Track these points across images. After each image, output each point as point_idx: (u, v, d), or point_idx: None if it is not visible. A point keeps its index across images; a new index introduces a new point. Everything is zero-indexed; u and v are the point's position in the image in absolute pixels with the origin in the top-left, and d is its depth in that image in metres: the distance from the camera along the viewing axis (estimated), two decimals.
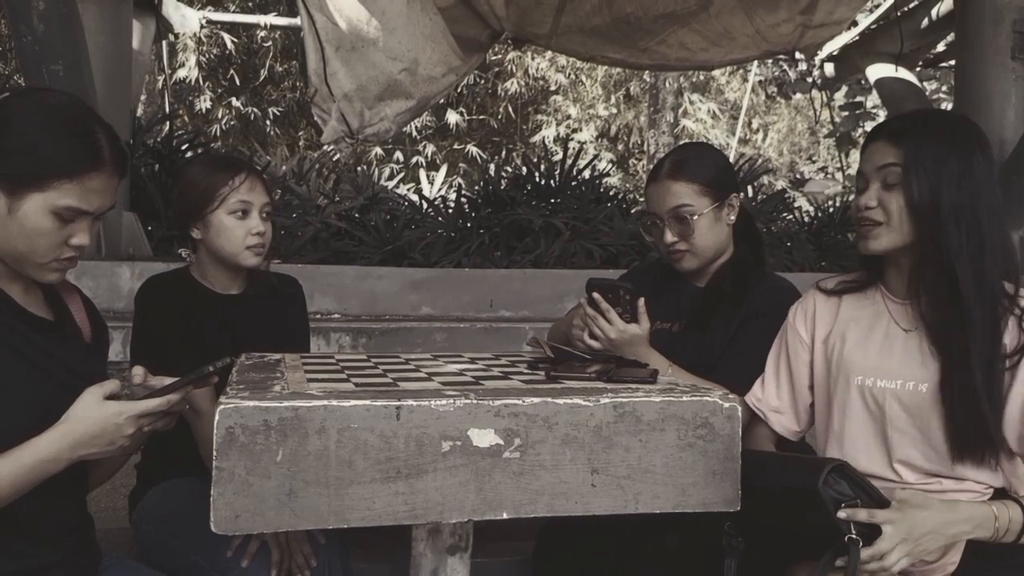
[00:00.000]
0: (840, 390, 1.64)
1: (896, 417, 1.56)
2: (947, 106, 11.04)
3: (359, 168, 10.29)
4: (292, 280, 2.17)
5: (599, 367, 1.39)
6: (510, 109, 15.98)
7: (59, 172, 1.31)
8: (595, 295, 1.76)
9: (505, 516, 1.16)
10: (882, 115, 10.77)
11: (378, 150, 14.34)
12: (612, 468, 1.19)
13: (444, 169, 11.60)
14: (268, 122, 14.82)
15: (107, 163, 1.35)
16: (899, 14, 6.72)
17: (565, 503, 1.18)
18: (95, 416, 1.28)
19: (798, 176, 18.13)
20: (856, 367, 1.62)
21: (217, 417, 1.08)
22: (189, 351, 1.83)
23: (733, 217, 1.99)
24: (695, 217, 1.92)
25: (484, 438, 1.15)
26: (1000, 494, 1.56)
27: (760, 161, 13.75)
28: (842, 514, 1.36)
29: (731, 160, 11.03)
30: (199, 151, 6.09)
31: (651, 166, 14.06)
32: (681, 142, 15.21)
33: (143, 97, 9.15)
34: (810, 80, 9.78)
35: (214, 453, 1.08)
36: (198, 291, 1.99)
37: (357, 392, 1.18)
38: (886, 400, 1.57)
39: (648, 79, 14.54)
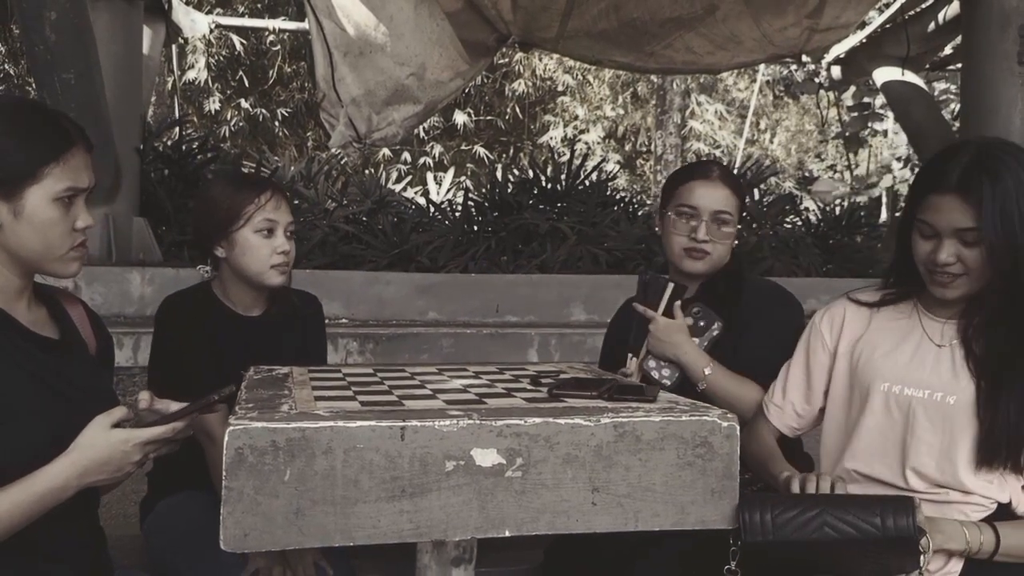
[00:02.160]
0: (859, 395, 1.68)
1: (919, 426, 1.60)
2: (955, 107, 11.00)
3: (367, 171, 10.32)
4: (312, 298, 2.16)
5: (604, 388, 1.41)
6: (517, 109, 16.01)
7: (46, 159, 1.37)
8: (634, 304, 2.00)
9: (508, 534, 1.19)
10: (890, 116, 10.75)
11: (386, 151, 14.38)
12: (612, 486, 1.21)
13: (451, 171, 11.63)
14: (277, 123, 14.88)
15: (77, 140, 1.43)
16: (906, 18, 6.72)
17: (566, 521, 1.20)
18: (103, 444, 1.31)
19: (807, 175, 18.11)
20: (882, 374, 1.66)
21: (227, 438, 1.10)
22: (208, 371, 1.85)
23: (734, 241, 2.12)
24: (729, 228, 2.03)
25: (487, 457, 1.17)
26: (1003, 509, 1.61)
27: (768, 162, 13.73)
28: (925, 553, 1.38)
29: (738, 162, 10.92)
30: (209, 155, 6.13)
31: (658, 167, 14.01)
32: (686, 144, 15.20)
33: (152, 99, 9.20)
34: (817, 81, 9.77)
35: (224, 472, 1.10)
36: (219, 311, 2.00)
37: (363, 412, 1.21)
38: (911, 407, 1.61)
39: (655, 80, 14.54)
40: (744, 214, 2.16)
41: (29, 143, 1.38)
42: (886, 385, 1.65)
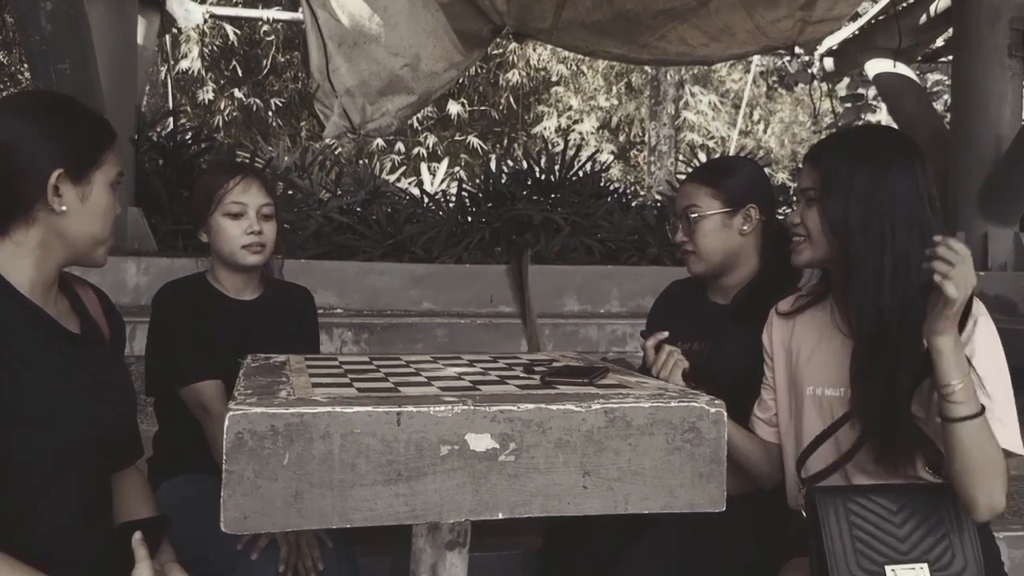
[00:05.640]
0: (797, 401, 1.72)
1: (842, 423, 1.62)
2: (947, 99, 11.03)
3: (361, 161, 10.31)
4: (305, 290, 2.23)
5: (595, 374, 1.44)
6: (511, 100, 16.00)
7: (107, 143, 1.43)
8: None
9: (501, 516, 1.21)
10: (883, 107, 10.78)
11: (380, 142, 14.36)
12: (603, 470, 1.24)
13: (445, 162, 11.63)
14: (270, 113, 14.86)
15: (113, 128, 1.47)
16: (898, 10, 6.75)
17: (558, 504, 1.23)
18: None
19: (800, 165, 18.08)
20: (808, 378, 1.69)
21: (227, 423, 1.13)
22: (202, 354, 1.90)
23: (747, 228, 2.00)
24: (699, 217, 1.99)
25: (481, 442, 1.20)
26: (948, 497, 1.58)
27: (761, 153, 13.76)
28: None
29: (731, 153, 10.86)
30: (203, 146, 6.14)
31: (652, 158, 14.01)
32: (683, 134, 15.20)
33: (146, 88, 9.18)
34: (811, 72, 9.79)
35: (224, 457, 1.13)
36: (214, 296, 2.05)
37: (360, 398, 1.23)
38: (832, 407, 1.64)
39: (649, 71, 14.54)
40: (740, 197, 2.01)
41: (93, 128, 1.42)
42: (811, 388, 1.68)
